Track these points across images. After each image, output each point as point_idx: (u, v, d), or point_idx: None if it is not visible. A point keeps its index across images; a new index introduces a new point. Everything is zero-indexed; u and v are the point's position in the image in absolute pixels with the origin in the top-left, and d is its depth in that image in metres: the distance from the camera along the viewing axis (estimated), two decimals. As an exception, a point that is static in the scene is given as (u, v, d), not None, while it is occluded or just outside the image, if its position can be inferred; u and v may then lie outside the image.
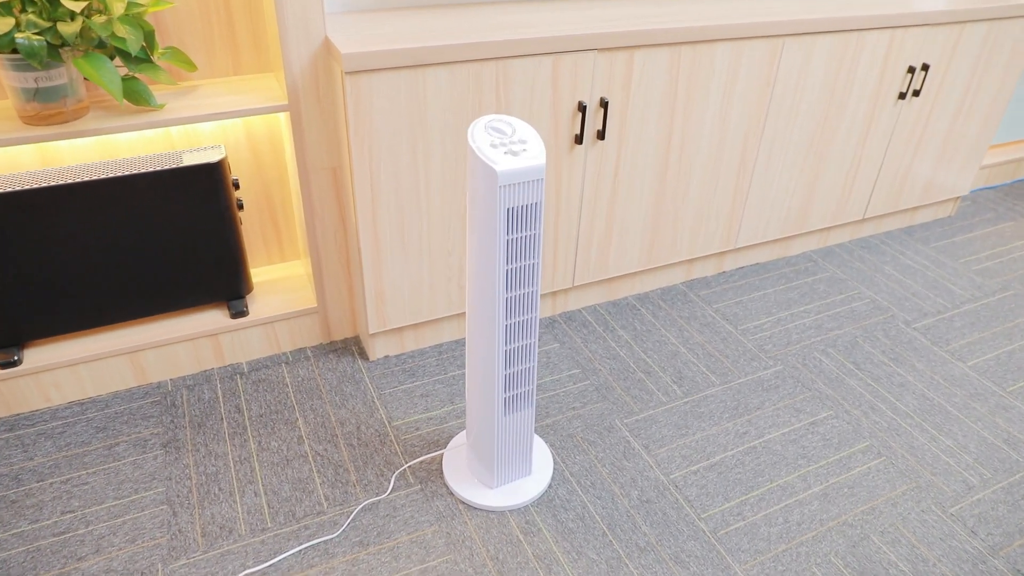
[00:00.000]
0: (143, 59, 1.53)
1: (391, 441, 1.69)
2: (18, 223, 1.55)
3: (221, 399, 1.80)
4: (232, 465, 1.62)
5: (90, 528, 1.48)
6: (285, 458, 1.64)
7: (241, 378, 1.86)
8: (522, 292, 1.31)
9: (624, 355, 1.97)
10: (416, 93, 1.56)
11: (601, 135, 1.78)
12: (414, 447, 1.68)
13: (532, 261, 1.28)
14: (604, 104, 1.74)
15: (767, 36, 1.88)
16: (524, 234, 1.24)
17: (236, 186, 1.75)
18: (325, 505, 1.53)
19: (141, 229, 1.66)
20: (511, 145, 1.19)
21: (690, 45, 1.79)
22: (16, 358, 1.69)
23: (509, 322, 1.33)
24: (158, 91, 1.67)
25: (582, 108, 1.72)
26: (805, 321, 2.14)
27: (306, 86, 1.60)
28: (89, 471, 1.60)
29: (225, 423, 1.73)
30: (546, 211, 1.85)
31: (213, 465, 1.62)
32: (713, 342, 2.04)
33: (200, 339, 1.82)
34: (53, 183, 1.55)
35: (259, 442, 1.68)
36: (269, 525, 1.50)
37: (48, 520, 1.49)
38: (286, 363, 1.91)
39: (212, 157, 1.67)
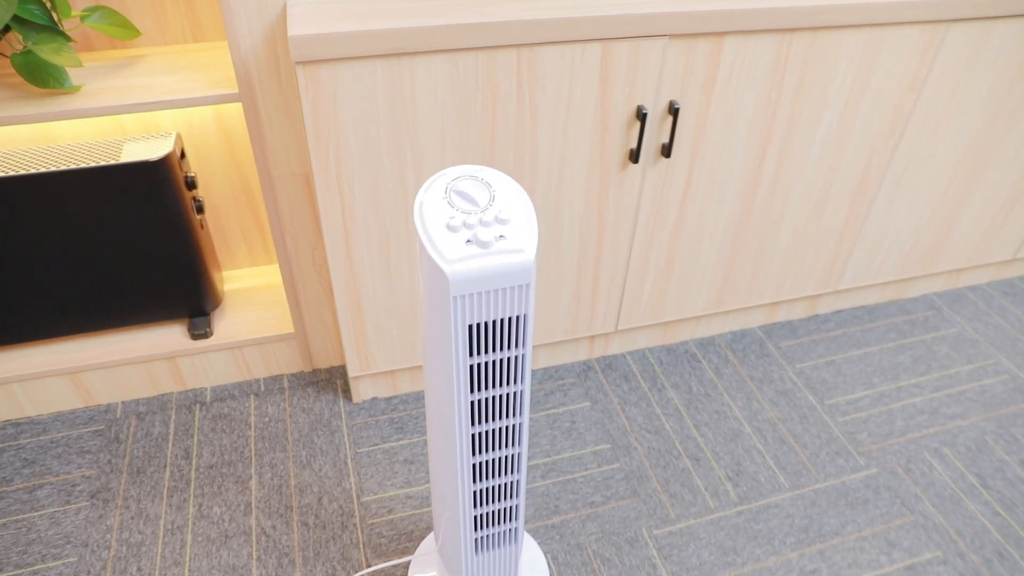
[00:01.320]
0: (46, 25, 1.12)
1: (354, 526, 1.32)
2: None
3: (171, 437, 1.47)
4: (161, 535, 1.30)
5: (-22, 606, 1.19)
6: (224, 533, 1.30)
7: (200, 409, 1.52)
8: (498, 426, 0.87)
9: (670, 428, 1.51)
10: (400, 91, 1.10)
11: (667, 151, 1.27)
12: (380, 538, 1.31)
13: (514, 389, 0.83)
14: (673, 110, 1.22)
15: (922, 21, 1.28)
16: (499, 357, 0.79)
17: (191, 185, 1.36)
18: (254, 614, 1.19)
19: (79, 232, 1.31)
20: (481, 226, 0.72)
21: (808, 32, 1.23)
22: (-63, 371, 1.40)
23: (478, 460, 0.90)
24: (92, 61, 1.27)
25: (642, 115, 1.21)
26: (916, 401, 1.60)
27: (262, 70, 1.16)
28: (1, 521, 1.31)
29: (168, 472, 1.40)
30: (586, 244, 1.38)
31: (140, 532, 1.30)
32: (789, 420, 1.54)
33: (154, 362, 1.49)
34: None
35: (200, 505, 1.35)
36: (182, 633, 1.17)
37: (-64, 587, 1.22)
38: (256, 394, 1.56)
39: (155, 152, 1.27)
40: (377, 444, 1.46)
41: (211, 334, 1.50)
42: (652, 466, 1.44)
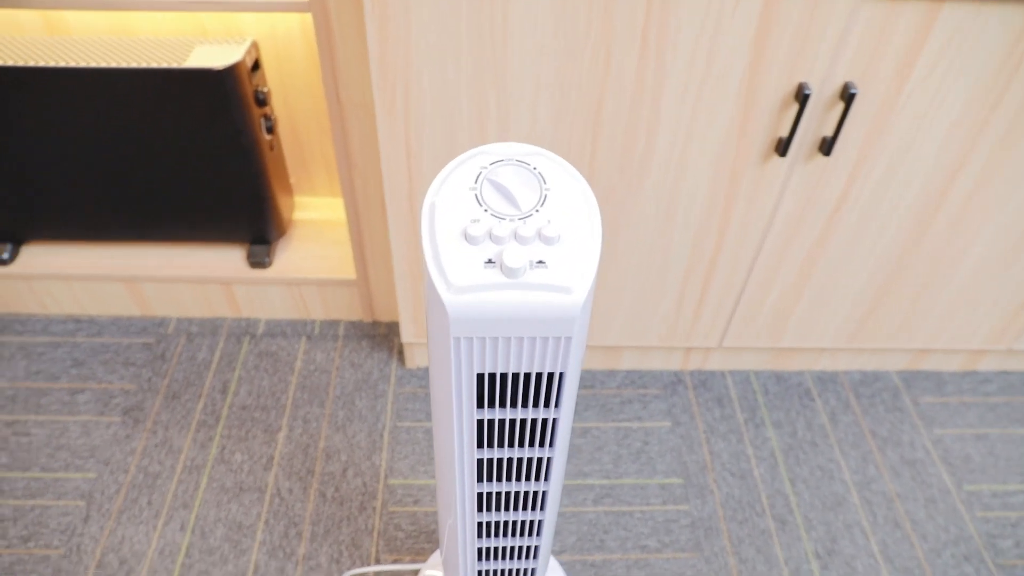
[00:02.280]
0: None
1: (373, 510, 1.17)
2: (14, 101, 1.12)
3: (214, 365, 1.36)
4: (179, 471, 1.20)
5: (3, 503, 1.15)
6: (240, 485, 1.19)
7: (250, 341, 1.40)
8: (514, 489, 0.65)
9: (759, 475, 1.24)
10: (490, 21, 0.85)
11: (827, 147, 0.96)
12: (398, 531, 1.14)
13: (539, 453, 0.61)
14: (847, 96, 0.90)
15: None
16: (519, 416, 0.57)
17: (261, 101, 1.19)
18: (245, 587, 1.07)
19: (145, 136, 1.18)
20: (514, 241, 0.49)
21: (1067, 12, 0.86)
22: (5, 256, 1.35)
23: (486, 519, 0.69)
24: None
25: (802, 97, 0.90)
26: (1093, 510, 1.23)
27: (338, -22, 0.95)
28: (39, 419, 1.26)
29: (201, 403, 1.30)
30: (700, 243, 1.10)
31: (160, 463, 1.21)
32: (911, 499, 1.22)
33: (209, 284, 1.37)
34: (49, 64, 1.09)
35: (223, 448, 1.24)
36: (172, 587, 1.07)
37: (-40, 476, 1.18)
38: (308, 336, 1.42)
39: (221, 60, 1.10)
40: (420, 421, 1.29)
41: (270, 264, 1.36)
42: (727, 518, 1.18)
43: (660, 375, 1.38)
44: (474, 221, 0.49)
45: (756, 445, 1.28)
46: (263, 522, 1.14)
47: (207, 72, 1.09)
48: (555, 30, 0.85)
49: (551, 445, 0.60)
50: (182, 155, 1.21)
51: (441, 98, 0.92)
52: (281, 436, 1.26)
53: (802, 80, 0.91)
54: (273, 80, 1.29)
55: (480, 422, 0.57)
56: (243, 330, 1.42)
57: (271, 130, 1.23)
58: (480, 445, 0.60)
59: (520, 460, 0.62)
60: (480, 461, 0.61)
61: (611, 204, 1.04)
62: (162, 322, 1.43)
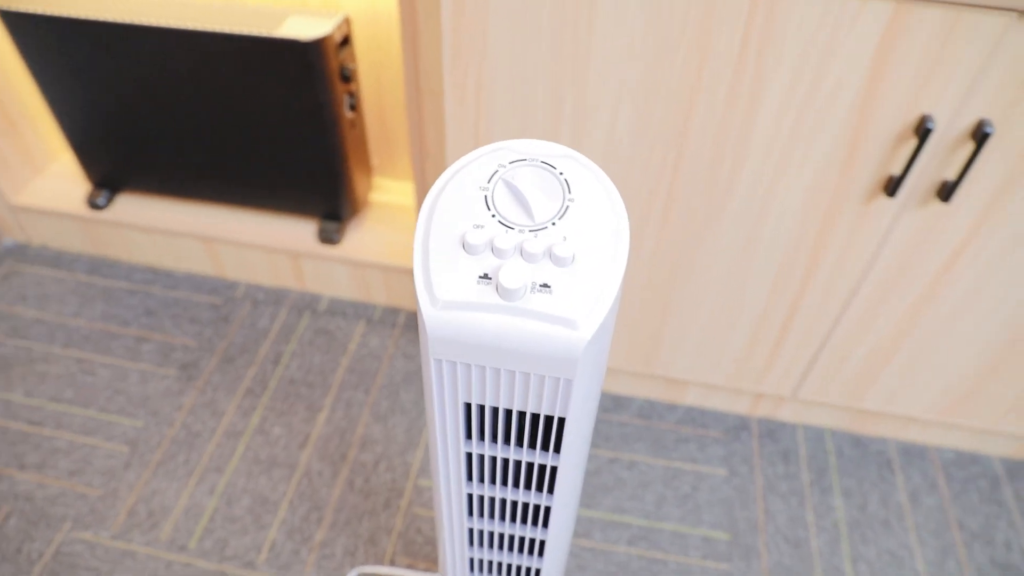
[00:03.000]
0: None
1: (398, 508, 1.12)
2: (117, 57, 1.15)
3: (272, 335, 1.35)
4: (218, 435, 1.19)
5: (56, 434, 1.18)
6: (273, 459, 1.17)
7: (310, 315, 1.39)
8: (508, 532, 0.57)
9: (817, 547, 1.09)
10: (574, 13, 0.77)
11: (946, 192, 0.81)
12: (417, 535, 1.09)
13: (537, 500, 0.53)
14: (980, 135, 0.76)
15: None
16: (514, 457, 0.49)
17: (347, 77, 1.15)
18: (260, 559, 1.04)
19: (233, 100, 1.18)
20: (519, 256, 0.41)
21: None
22: (101, 201, 1.39)
23: (477, 556, 0.61)
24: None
25: (923, 132, 0.77)
26: None
27: (426, -45, 0.89)
28: (105, 361, 1.29)
29: (252, 371, 1.29)
30: (783, 283, 0.97)
31: (203, 423, 1.21)
32: (999, 607, 1.04)
33: (278, 253, 1.36)
34: (149, 22, 1.11)
35: (265, 418, 1.22)
36: (189, 546, 1.06)
37: (37, 400, 1.22)
38: (368, 320, 1.38)
39: (309, 32, 1.08)
40: (460, 424, 1.23)
41: (339, 242, 1.34)
42: (772, 589, 1.05)
43: (724, 417, 1.25)
44: (476, 227, 0.41)
45: (819, 512, 1.13)
46: (288, 500, 1.12)
47: (293, 43, 1.07)
48: (645, 28, 0.76)
49: (550, 492, 0.52)
50: (265, 123, 1.19)
51: (514, 94, 0.85)
52: (322, 416, 1.23)
53: (926, 112, 0.77)
54: (366, 59, 1.26)
55: (469, 456, 0.49)
56: (306, 304, 1.41)
57: (354, 107, 1.20)
58: (470, 478, 0.52)
59: (515, 503, 0.54)
60: (471, 496, 0.54)
61: (689, 226, 0.94)
62: (232, 285, 1.44)
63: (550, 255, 0.40)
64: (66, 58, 1.19)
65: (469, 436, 0.48)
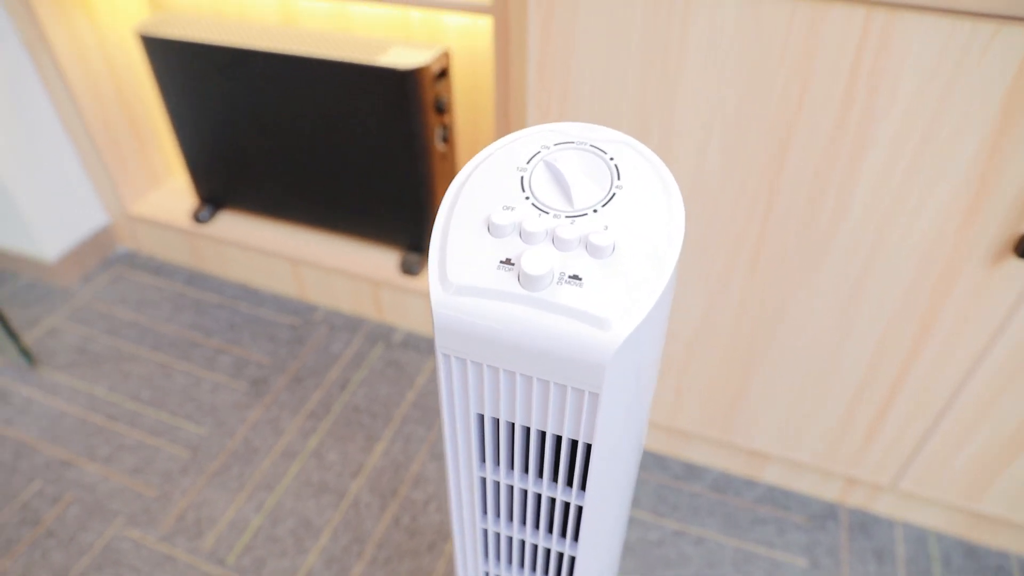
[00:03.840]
0: None
1: (441, 553, 1.04)
2: (228, 79, 1.21)
3: (343, 360, 1.33)
4: (275, 453, 1.17)
5: (127, 431, 1.19)
6: (324, 484, 1.13)
7: (383, 346, 1.36)
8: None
9: (914, 669, 0.91)
10: (666, 36, 0.72)
11: (1094, 259, 0.68)
12: (457, 585, 1.00)
13: (559, 547, 0.45)
14: None
15: None
16: (533, 489, 0.41)
17: (441, 108, 1.15)
18: (290, 589, 0.99)
19: (330, 125, 1.20)
20: (549, 242, 0.34)
21: None
22: (204, 215, 1.45)
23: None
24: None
25: (1068, 185, 0.65)
26: None
27: (522, -17, 0.88)
28: (184, 367, 1.31)
29: (319, 394, 1.27)
30: (885, 352, 0.85)
31: (262, 440, 1.19)
32: None
33: (360, 281, 1.36)
34: (266, 48, 1.16)
35: (322, 442, 1.19)
36: (228, 560, 1.03)
37: (117, 397, 1.25)
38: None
39: (409, 61, 1.08)
40: (517, 472, 1.14)
41: (419, 273, 1.32)
42: None
43: (809, 502, 1.10)
44: (506, 208, 0.36)
45: (919, 628, 0.96)
46: (331, 528, 1.07)
47: (391, 71, 1.08)
48: (740, 53, 0.70)
49: (574, 540, 0.43)
50: (360, 149, 1.21)
51: (599, 118, 0.80)
52: (379, 447, 1.18)
53: (1072, 162, 0.65)
54: (463, 93, 1.26)
55: (483, 482, 0.42)
56: (381, 334, 1.39)
57: (446, 139, 1.20)
58: (485, 512, 0.45)
59: (536, 547, 0.46)
60: (486, 534, 0.46)
61: (780, 277, 0.84)
62: (313, 308, 1.44)
63: (586, 244, 0.34)
64: (190, 80, 1.26)
65: (484, 460, 0.41)
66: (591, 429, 0.35)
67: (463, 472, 0.42)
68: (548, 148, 0.38)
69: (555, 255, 0.34)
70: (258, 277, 1.47)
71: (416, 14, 1.18)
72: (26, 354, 1.30)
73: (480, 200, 0.36)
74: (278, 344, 1.37)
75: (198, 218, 1.44)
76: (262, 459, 1.16)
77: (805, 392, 0.93)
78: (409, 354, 1.34)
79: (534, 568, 0.47)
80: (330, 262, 1.36)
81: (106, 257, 1.58)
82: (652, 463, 1.14)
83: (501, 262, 0.34)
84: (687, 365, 0.99)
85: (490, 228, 0.35)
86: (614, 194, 0.36)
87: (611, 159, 0.37)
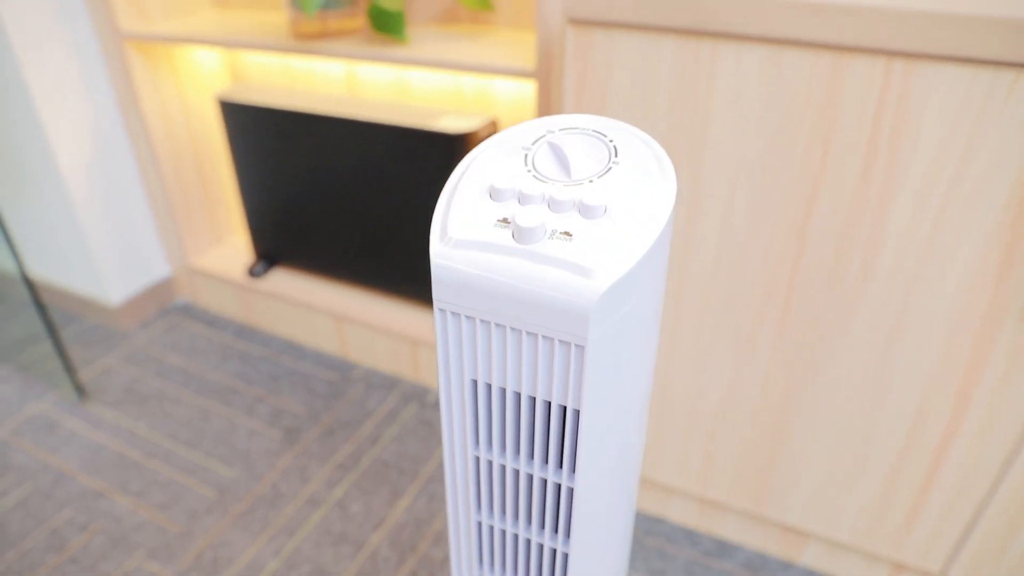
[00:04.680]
0: (400, -27, 1.08)
1: (454, 613, 1.00)
2: (300, 141, 1.32)
3: (376, 416, 1.34)
4: (300, 500, 1.17)
5: (161, 467, 1.22)
6: (344, 535, 1.11)
7: (417, 405, 1.37)
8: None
9: None
10: (693, 88, 0.75)
11: None
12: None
13: (553, 544, 0.44)
14: None
15: None
16: (524, 470, 0.41)
17: (485, 174, 1.21)
18: (304, 636, 0.96)
19: (384, 186, 1.28)
20: (544, 205, 0.36)
21: None
22: (258, 270, 1.53)
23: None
24: (447, 30, 1.22)
25: (1107, 239, 0.64)
26: None
27: (566, 47, 0.94)
28: (223, 412, 1.35)
29: (349, 447, 1.28)
30: (923, 421, 0.81)
31: (288, 486, 1.20)
32: None
33: (399, 340, 1.39)
34: (332, 113, 1.26)
35: (347, 493, 1.18)
36: (241, 607, 1.01)
37: (158, 434, 1.29)
38: (469, 416, 1.34)
39: (459, 127, 1.16)
40: (540, 537, 1.11)
41: (455, 335, 1.34)
42: None
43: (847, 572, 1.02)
44: (509, 177, 0.38)
45: None
46: (346, 579, 1.04)
47: (442, 135, 1.15)
48: (764, 103, 0.73)
49: (567, 536, 0.43)
50: (408, 210, 1.27)
51: (629, 170, 0.83)
52: (403, 503, 1.17)
53: (1108, 214, 0.64)
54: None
55: (477, 461, 0.43)
56: (416, 394, 1.40)
57: (487, 203, 1.25)
58: (479, 507, 0.45)
59: (529, 545, 0.45)
60: (480, 528, 0.46)
61: (809, 337, 0.83)
62: (352, 366, 1.47)
63: (579, 206, 0.36)
64: (259, 142, 1.37)
65: (477, 442, 0.42)
66: (578, 391, 0.36)
67: (458, 453, 0.42)
68: (553, 132, 0.41)
69: (548, 214, 0.36)
70: (303, 333, 1.52)
71: (469, 86, 1.26)
72: (79, 389, 1.36)
73: (485, 172, 0.39)
74: (315, 397, 1.39)
75: (252, 273, 1.52)
76: (286, 504, 1.16)
77: (840, 461, 0.89)
78: (438, 413, 1.35)
79: (528, 571, 0.46)
80: (372, 319, 1.40)
81: (165, 306, 1.66)
82: (682, 537, 1.09)
83: (498, 220, 0.36)
84: (716, 429, 0.96)
85: (491, 194, 0.38)
86: (610, 168, 0.38)
87: (611, 141, 0.40)
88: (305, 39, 1.18)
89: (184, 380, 1.43)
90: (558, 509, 0.43)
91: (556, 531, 0.44)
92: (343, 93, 1.40)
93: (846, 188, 0.73)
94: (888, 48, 0.64)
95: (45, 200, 1.47)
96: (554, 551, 0.44)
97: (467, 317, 0.37)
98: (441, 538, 1.11)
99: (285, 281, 1.52)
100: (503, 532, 0.45)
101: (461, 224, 0.36)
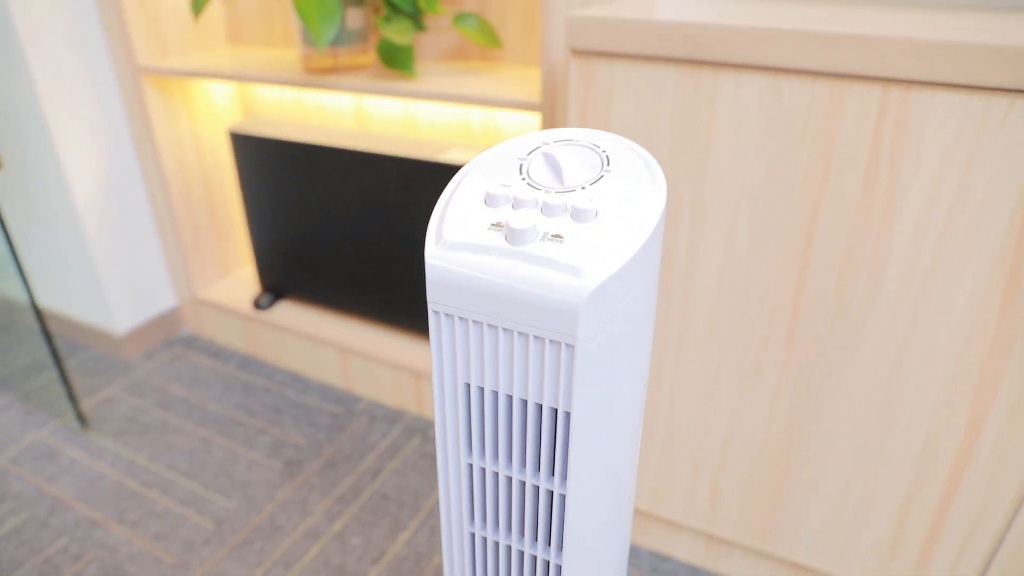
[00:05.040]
0: (409, 13, 1.12)
1: (452, 651, 0.97)
2: (308, 173, 1.35)
3: (379, 450, 1.33)
4: (298, 532, 1.15)
5: (159, 497, 1.21)
6: (342, 567, 1.09)
7: (420, 439, 1.36)
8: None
9: None
10: (694, 116, 0.77)
11: None
12: None
13: (546, 556, 0.43)
14: None
15: None
16: (517, 476, 0.41)
17: (490, 206, 1.23)
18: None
19: (389, 217, 1.30)
20: (535, 210, 0.37)
21: None
22: (264, 302, 1.54)
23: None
24: (456, 65, 1.25)
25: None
26: None
27: (569, 78, 0.96)
28: (224, 443, 1.34)
29: (350, 480, 1.26)
30: (932, 451, 0.80)
31: (288, 519, 1.18)
32: None
33: (403, 372, 1.39)
34: (341, 145, 1.29)
35: (347, 526, 1.17)
36: (234, 641, 0.99)
37: (156, 465, 1.28)
38: (472, 450, 1.33)
39: (465, 158, 1.18)
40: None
41: (458, 367, 1.34)
42: None
43: (867, 637, 0.99)
44: (503, 185, 0.39)
45: None
46: (343, 614, 1.02)
47: (448, 167, 1.17)
48: (764, 130, 0.74)
49: (559, 548, 0.42)
50: (415, 243, 1.28)
51: (631, 198, 0.84)
52: (403, 537, 1.15)
53: (1111, 239, 0.64)
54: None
55: (471, 469, 0.42)
56: (419, 428, 1.39)
57: (492, 235, 1.26)
58: (473, 518, 0.44)
59: (523, 558, 0.44)
60: (473, 539, 0.45)
61: (815, 364, 0.82)
62: (356, 399, 1.47)
63: (571, 210, 0.37)
64: (269, 174, 1.39)
65: (470, 448, 0.42)
66: (569, 393, 0.36)
67: (451, 461, 0.42)
68: (548, 143, 0.42)
69: (541, 218, 0.36)
70: (308, 365, 1.52)
71: (476, 120, 1.29)
72: (80, 418, 1.36)
73: (481, 181, 0.40)
74: (317, 429, 1.39)
75: (258, 305, 1.53)
76: (284, 537, 1.14)
77: (850, 494, 0.88)
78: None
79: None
80: (377, 352, 1.40)
81: (170, 337, 1.67)
82: (688, 576, 1.07)
83: (492, 224, 0.37)
84: (723, 463, 0.95)
85: (486, 200, 0.38)
86: (602, 176, 0.39)
87: (603, 151, 0.41)
88: (316, 74, 1.21)
89: (186, 411, 1.43)
90: (551, 521, 0.42)
91: (549, 543, 0.43)
92: (352, 127, 1.44)
93: (847, 213, 0.74)
94: (884, 75, 0.66)
95: (58, 230, 1.49)
96: (547, 563, 0.44)
97: (460, 319, 0.37)
98: (441, 573, 1.09)
99: (291, 313, 1.53)
100: (496, 544, 0.45)
101: (456, 228, 0.37)
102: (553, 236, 0.35)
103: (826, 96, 0.70)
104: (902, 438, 0.81)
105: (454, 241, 0.36)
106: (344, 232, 1.36)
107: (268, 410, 1.44)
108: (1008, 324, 0.71)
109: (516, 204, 0.37)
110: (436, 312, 0.38)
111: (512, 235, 0.35)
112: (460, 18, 1.14)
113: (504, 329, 0.36)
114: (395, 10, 1.13)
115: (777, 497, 0.93)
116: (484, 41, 1.16)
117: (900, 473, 0.83)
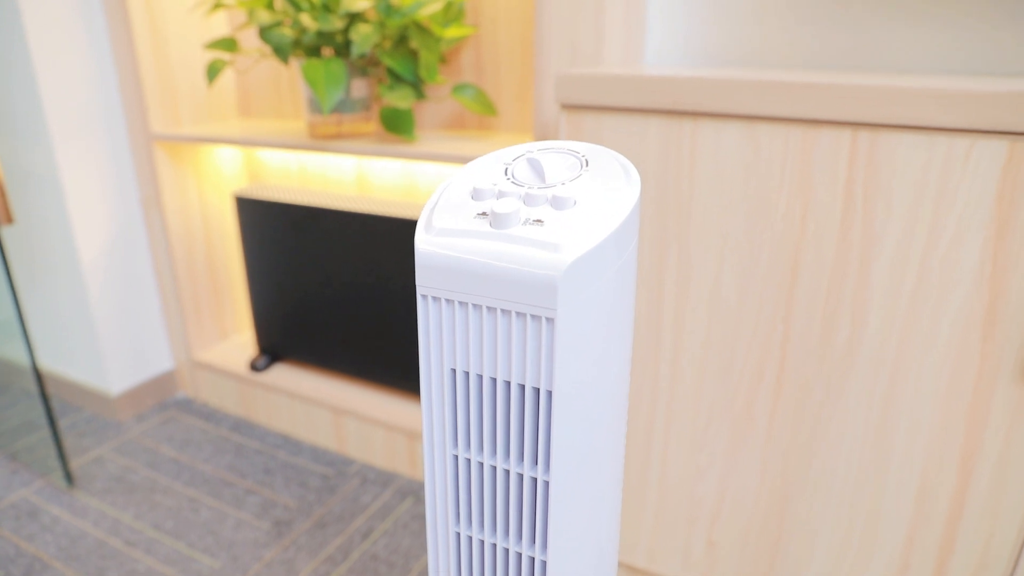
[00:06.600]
0: (410, 82, 1.19)
1: None
2: (305, 234, 1.39)
3: (370, 511, 1.31)
4: (284, 594, 1.12)
5: (142, 557, 1.18)
6: (327, 631, 1.06)
7: (412, 501, 1.34)
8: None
9: None
10: (677, 163, 0.81)
11: None
12: None
13: (531, 553, 0.43)
14: None
15: None
16: (501, 466, 0.42)
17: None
18: None
19: (379, 277, 1.33)
20: (518, 200, 0.40)
21: None
22: (260, 364, 1.55)
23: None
24: (455, 134, 1.32)
25: (1082, 298, 0.66)
26: None
27: (560, 132, 1.02)
28: (212, 504, 1.32)
29: (339, 540, 1.24)
30: (930, 481, 0.80)
31: (274, 580, 1.15)
32: None
33: (396, 433, 1.38)
34: (338, 207, 1.34)
35: (333, 588, 1.13)
36: None
37: (141, 524, 1.26)
38: (465, 512, 1.30)
39: (460, 216, 1.23)
40: (535, 638, 1.04)
41: (452, 426, 1.34)
42: None
43: None
44: (492, 183, 0.42)
45: None
46: None
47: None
48: (743, 176, 0.78)
49: (544, 543, 0.42)
50: (410, 305, 1.31)
51: (620, 244, 0.88)
52: (391, 598, 1.12)
53: (1078, 272, 0.67)
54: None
55: (455, 460, 0.43)
56: (412, 490, 1.37)
57: (488, 293, 1.29)
58: (458, 517, 0.45)
59: (508, 556, 0.44)
60: (458, 538, 0.45)
61: (805, 407, 0.83)
62: (349, 462, 1.46)
63: (552, 200, 0.39)
64: (270, 236, 1.44)
65: (456, 441, 0.43)
66: (551, 366, 0.38)
67: (437, 453, 0.43)
68: (532, 152, 0.46)
69: (520, 205, 0.39)
70: (301, 427, 1.52)
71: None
72: (68, 477, 1.35)
73: (469, 179, 0.43)
74: (308, 490, 1.37)
75: (255, 367, 1.54)
76: (268, 599, 1.11)
77: (849, 539, 0.86)
78: (436, 510, 1.31)
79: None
80: (370, 412, 1.40)
81: (164, 399, 1.67)
82: (687, 640, 1.03)
83: (478, 214, 0.40)
84: (718, 511, 0.94)
85: (473, 195, 0.41)
86: (581, 175, 0.42)
87: (583, 156, 0.44)
88: (321, 140, 1.28)
89: (175, 471, 1.41)
90: (535, 517, 0.43)
91: (534, 540, 0.43)
92: (353, 192, 1.49)
93: (826, 255, 0.77)
94: (852, 120, 0.70)
95: (60, 288, 1.53)
96: (532, 560, 0.44)
97: (447, 300, 0.39)
98: (430, 638, 1.05)
99: (286, 375, 1.54)
100: (481, 543, 0.45)
101: (444, 217, 0.40)
102: (535, 221, 0.38)
103: (799, 140, 0.74)
104: (898, 479, 0.81)
105: (442, 228, 0.39)
106: (341, 293, 1.39)
107: (259, 471, 1.42)
108: (990, 359, 0.73)
109: (500, 195, 0.40)
110: (424, 296, 0.40)
111: (496, 219, 0.38)
112: (459, 88, 1.22)
113: (488, 308, 0.38)
114: (397, 79, 1.20)
115: (775, 546, 0.92)
116: (480, 109, 1.23)
117: (899, 512, 0.83)
